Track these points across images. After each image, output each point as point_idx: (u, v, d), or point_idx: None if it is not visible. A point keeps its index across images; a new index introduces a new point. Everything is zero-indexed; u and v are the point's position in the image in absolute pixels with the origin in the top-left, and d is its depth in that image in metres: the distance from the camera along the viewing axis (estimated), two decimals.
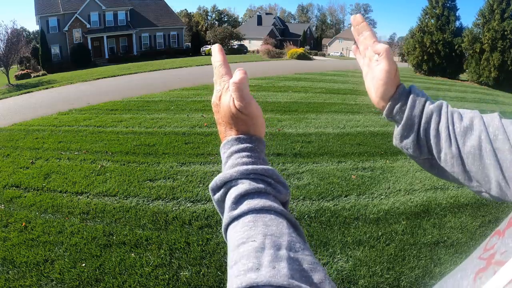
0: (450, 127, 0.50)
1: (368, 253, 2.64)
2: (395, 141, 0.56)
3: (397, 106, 0.54)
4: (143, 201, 3.44)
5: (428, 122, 0.52)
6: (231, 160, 0.41)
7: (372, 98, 0.58)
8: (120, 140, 5.42)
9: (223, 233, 0.38)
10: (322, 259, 2.55)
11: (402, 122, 0.53)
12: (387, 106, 0.55)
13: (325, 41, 63.79)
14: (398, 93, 0.54)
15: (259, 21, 53.98)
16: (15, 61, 21.11)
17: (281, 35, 50.53)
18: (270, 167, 0.40)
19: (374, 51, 0.56)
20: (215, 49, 0.48)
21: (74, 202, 3.41)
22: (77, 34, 28.50)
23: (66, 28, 27.88)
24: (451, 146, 0.50)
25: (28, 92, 13.21)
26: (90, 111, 7.74)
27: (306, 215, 3.16)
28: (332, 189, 3.73)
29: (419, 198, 3.59)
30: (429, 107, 0.53)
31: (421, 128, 0.52)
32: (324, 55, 45.47)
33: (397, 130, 0.55)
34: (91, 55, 27.55)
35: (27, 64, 25.67)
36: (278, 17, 60.43)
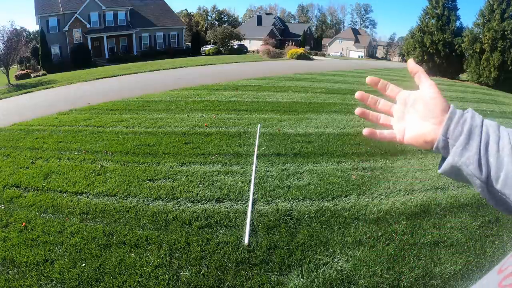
0: None
1: (368, 253, 2.64)
2: (452, 159, 0.49)
3: (455, 118, 0.50)
4: (143, 201, 3.44)
5: (488, 135, 0.48)
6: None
7: (427, 129, 0.53)
8: (120, 140, 5.42)
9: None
10: (322, 259, 2.55)
11: (465, 130, 0.49)
12: (445, 120, 0.51)
13: (325, 41, 63.80)
14: (452, 106, 0.52)
15: (259, 21, 53.95)
16: (15, 61, 21.10)
17: (281, 35, 50.51)
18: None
19: (410, 71, 0.57)
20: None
21: (74, 202, 3.41)
22: (77, 34, 28.48)
23: (66, 28, 27.86)
24: None
25: (28, 92, 13.22)
26: (90, 111, 7.74)
27: (306, 215, 3.16)
28: (332, 189, 3.73)
29: (419, 198, 3.59)
30: (487, 120, 0.51)
31: (482, 140, 0.48)
32: (324, 55, 45.45)
33: (456, 145, 0.49)
34: (91, 55, 27.52)
35: (27, 64, 25.66)
36: (278, 17, 60.39)
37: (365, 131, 0.59)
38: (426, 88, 0.54)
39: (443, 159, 0.52)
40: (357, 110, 0.60)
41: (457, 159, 0.49)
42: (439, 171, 0.53)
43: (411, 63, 0.57)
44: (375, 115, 0.61)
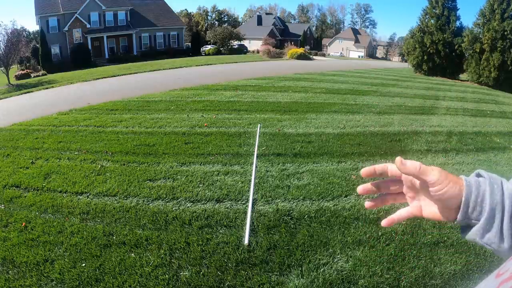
0: None
1: (368, 253, 2.64)
2: (474, 237, 0.49)
3: (472, 200, 0.48)
4: (143, 201, 3.44)
5: (511, 207, 0.47)
6: None
7: (444, 213, 0.51)
8: (120, 140, 5.42)
9: None
10: (322, 259, 2.55)
11: (485, 211, 0.47)
12: (461, 207, 0.48)
13: (325, 41, 63.79)
14: (466, 186, 0.48)
15: (259, 21, 53.93)
16: (15, 61, 21.09)
17: (281, 35, 50.49)
18: None
19: (408, 173, 0.51)
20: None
21: (74, 202, 3.41)
22: (77, 34, 28.47)
23: (66, 28, 27.85)
24: None
25: (28, 92, 13.21)
26: (90, 111, 7.74)
27: (306, 215, 3.16)
28: (332, 189, 3.73)
29: None
30: (509, 187, 0.48)
31: (505, 216, 0.46)
32: (324, 55, 45.45)
33: (477, 227, 0.48)
34: (91, 55, 27.50)
35: (27, 64, 25.64)
36: (278, 17, 60.37)
37: (384, 222, 0.57)
38: (431, 187, 0.50)
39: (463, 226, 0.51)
40: (367, 204, 0.59)
41: (479, 239, 0.48)
42: (463, 238, 0.52)
43: (402, 166, 0.50)
44: (386, 199, 0.59)
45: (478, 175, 0.51)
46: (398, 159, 0.51)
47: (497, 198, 0.47)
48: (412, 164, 0.50)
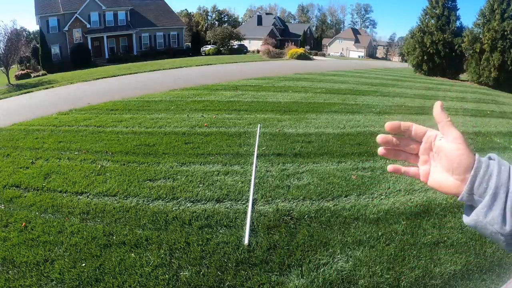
0: None
1: (368, 253, 2.64)
2: (476, 217, 0.49)
3: (480, 175, 0.49)
4: (143, 201, 3.44)
5: None
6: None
7: (450, 183, 0.52)
8: (120, 140, 5.42)
9: None
10: (322, 259, 2.55)
11: (490, 189, 0.48)
12: (469, 178, 0.49)
13: (325, 41, 63.81)
14: (477, 160, 0.50)
15: (259, 21, 53.95)
16: (15, 61, 21.08)
17: (281, 35, 50.50)
18: None
19: (436, 117, 0.53)
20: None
21: (74, 202, 3.41)
22: (77, 34, 28.47)
23: (66, 28, 27.85)
24: None
25: (28, 92, 13.22)
26: (90, 111, 7.74)
27: (306, 215, 3.16)
28: (332, 189, 3.73)
29: (419, 198, 3.59)
30: None
31: (509, 198, 0.47)
32: (324, 55, 45.44)
33: (481, 205, 0.49)
34: (91, 55, 27.50)
35: (27, 64, 25.64)
36: (278, 17, 60.37)
37: (390, 167, 0.58)
38: (451, 142, 0.51)
39: (467, 206, 0.51)
40: (380, 150, 0.58)
41: (482, 219, 0.48)
42: (464, 222, 0.52)
43: (438, 109, 0.53)
44: (399, 154, 0.59)
45: (490, 159, 0.53)
46: (439, 102, 0.53)
47: (504, 178, 0.48)
48: (444, 113, 0.53)
